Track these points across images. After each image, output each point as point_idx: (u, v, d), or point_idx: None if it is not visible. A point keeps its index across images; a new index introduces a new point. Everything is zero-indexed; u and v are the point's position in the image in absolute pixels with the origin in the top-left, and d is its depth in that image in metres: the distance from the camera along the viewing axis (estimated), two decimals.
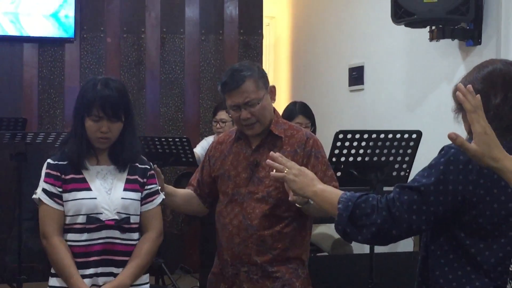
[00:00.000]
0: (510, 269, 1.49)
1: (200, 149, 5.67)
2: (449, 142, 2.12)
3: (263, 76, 3.04)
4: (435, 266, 2.15)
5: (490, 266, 2.06)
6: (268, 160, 2.53)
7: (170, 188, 3.17)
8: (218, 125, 5.57)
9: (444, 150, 2.11)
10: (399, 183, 2.17)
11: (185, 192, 3.23)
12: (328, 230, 5.04)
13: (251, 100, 2.96)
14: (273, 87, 3.10)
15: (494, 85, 2.13)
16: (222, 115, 5.53)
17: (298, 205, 2.63)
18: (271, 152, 2.54)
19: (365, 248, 4.69)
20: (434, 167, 2.09)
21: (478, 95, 1.91)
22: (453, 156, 2.06)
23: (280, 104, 5.99)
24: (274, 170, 2.48)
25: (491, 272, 2.06)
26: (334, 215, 2.21)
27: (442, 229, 2.13)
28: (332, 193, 2.28)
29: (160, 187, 2.97)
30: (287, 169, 2.43)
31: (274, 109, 3.10)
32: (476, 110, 1.89)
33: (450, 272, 2.11)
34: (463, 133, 1.94)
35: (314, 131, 4.66)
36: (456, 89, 2.22)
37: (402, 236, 2.14)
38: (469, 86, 1.92)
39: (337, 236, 5.10)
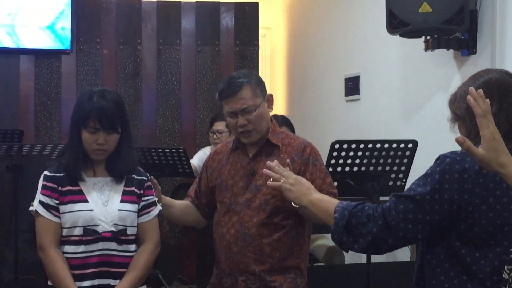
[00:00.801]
0: (504, 276, 1.49)
1: (197, 160, 5.67)
2: (445, 151, 2.13)
3: (260, 84, 3.06)
4: (431, 275, 2.15)
5: (486, 275, 2.06)
6: (264, 169, 2.54)
7: (167, 199, 3.17)
8: (215, 136, 5.58)
9: (439, 159, 2.11)
10: (395, 192, 2.18)
11: (183, 203, 3.23)
12: (322, 240, 5.05)
13: (248, 107, 2.97)
14: (271, 95, 3.11)
15: (490, 94, 2.14)
16: (219, 126, 5.54)
17: (294, 206, 2.62)
18: (268, 162, 2.55)
19: (362, 258, 4.69)
20: (429, 176, 2.10)
21: (488, 100, 1.90)
22: (448, 165, 2.07)
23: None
24: (271, 179, 2.49)
25: (486, 281, 2.06)
26: (330, 224, 2.22)
27: (438, 238, 2.13)
28: (328, 203, 2.29)
29: (157, 198, 2.98)
30: (283, 179, 2.44)
31: (271, 118, 3.12)
32: (485, 115, 1.88)
33: (446, 281, 2.11)
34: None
35: None
36: (452, 98, 2.24)
37: (398, 245, 2.15)
38: (480, 90, 1.91)
39: (330, 245, 5.12)
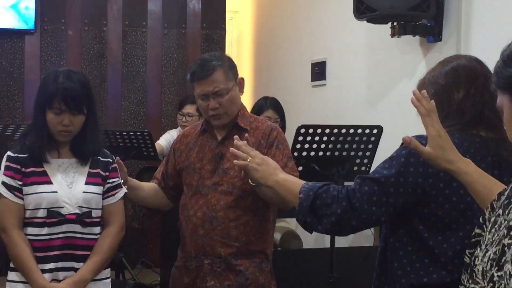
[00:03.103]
0: (465, 260, 1.51)
1: (163, 141, 5.65)
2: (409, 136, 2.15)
3: (233, 67, 3.05)
4: (394, 258, 2.16)
5: (448, 259, 2.08)
6: (231, 148, 2.53)
7: (134, 181, 3.15)
8: (184, 118, 5.55)
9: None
10: (348, 176, 2.19)
11: (149, 185, 3.22)
12: (279, 223, 5.06)
13: (220, 90, 2.96)
14: (242, 79, 3.11)
15: (457, 80, 2.17)
16: (189, 109, 5.52)
17: (252, 183, 2.62)
18: (235, 141, 2.54)
19: (326, 242, 4.72)
20: (395, 159, 2.11)
21: (432, 101, 1.94)
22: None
23: (243, 98, 5.97)
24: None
25: (448, 264, 2.08)
26: (295, 205, 2.22)
27: (402, 221, 2.14)
28: (294, 183, 2.29)
29: (123, 180, 2.96)
30: (250, 158, 2.44)
31: (241, 103, 3.11)
32: (430, 114, 1.92)
33: (409, 264, 2.13)
34: (423, 128, 1.96)
35: (283, 128, 4.69)
36: (420, 83, 2.26)
37: (361, 227, 2.16)
38: (424, 91, 1.96)
39: (287, 229, 5.15)
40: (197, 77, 2.98)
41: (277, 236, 5.04)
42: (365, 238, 4.82)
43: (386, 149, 2.18)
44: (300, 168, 3.79)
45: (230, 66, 3.03)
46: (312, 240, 5.25)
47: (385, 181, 2.09)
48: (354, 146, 3.92)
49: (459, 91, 2.15)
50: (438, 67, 2.23)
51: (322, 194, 2.15)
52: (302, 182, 2.27)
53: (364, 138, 3.92)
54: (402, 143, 2.12)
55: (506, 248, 1.33)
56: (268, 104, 4.81)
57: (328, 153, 3.89)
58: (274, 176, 2.36)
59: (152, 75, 6.76)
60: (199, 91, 3.00)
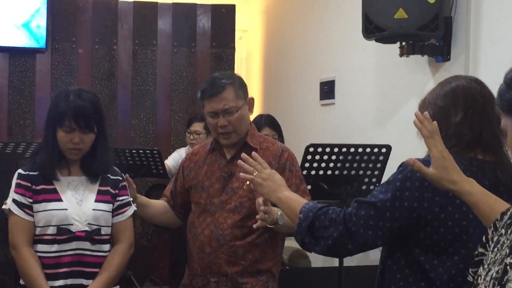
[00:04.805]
0: (468, 279, 1.51)
1: (171, 161, 5.67)
2: (418, 156, 2.15)
3: (243, 86, 3.07)
4: (391, 280, 2.16)
5: (443, 283, 2.07)
6: (239, 161, 2.53)
7: (143, 198, 3.17)
8: (192, 136, 5.58)
9: (402, 166, 2.12)
10: (358, 197, 2.19)
11: (159, 203, 3.23)
12: (287, 242, 5.05)
13: (230, 108, 2.98)
14: (252, 99, 3.13)
15: (455, 102, 2.16)
16: (197, 126, 5.55)
17: (268, 226, 2.66)
18: (243, 154, 2.54)
19: (334, 261, 4.71)
20: (391, 183, 2.11)
21: (435, 122, 1.94)
22: (410, 172, 2.07)
23: (251, 118, 6.00)
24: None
25: None
26: (294, 223, 2.23)
27: (399, 244, 2.14)
28: (296, 201, 2.30)
29: (132, 198, 2.97)
30: (256, 172, 2.45)
31: (250, 122, 3.13)
32: (433, 135, 1.93)
33: (405, 287, 2.13)
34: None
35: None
36: (421, 103, 2.26)
37: (358, 250, 2.16)
38: (426, 113, 1.96)
39: (296, 247, 5.13)
40: (208, 95, 3.00)
41: (285, 255, 5.04)
42: (374, 257, 4.80)
43: (394, 169, 2.18)
44: (309, 187, 3.79)
45: (241, 85, 3.05)
46: (321, 259, 5.24)
47: (381, 206, 2.09)
48: (363, 165, 3.92)
49: (457, 114, 2.14)
50: (437, 88, 2.24)
51: (321, 216, 2.16)
52: (304, 201, 2.28)
53: (373, 157, 3.93)
54: (400, 166, 2.13)
55: (508, 267, 1.34)
56: (264, 122, 4.81)
57: (336, 172, 3.90)
58: (278, 193, 2.37)
59: (161, 93, 6.78)
60: (209, 108, 3.01)
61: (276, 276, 3.08)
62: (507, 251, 1.37)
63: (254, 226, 2.64)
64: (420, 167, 1.92)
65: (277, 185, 2.40)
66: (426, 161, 1.96)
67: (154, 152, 5.26)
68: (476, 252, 1.51)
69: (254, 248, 2.99)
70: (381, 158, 3.94)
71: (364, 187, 3.97)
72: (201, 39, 6.87)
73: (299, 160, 3.71)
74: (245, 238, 2.98)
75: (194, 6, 6.88)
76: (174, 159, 5.67)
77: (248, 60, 7.65)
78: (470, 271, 1.51)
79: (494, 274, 1.37)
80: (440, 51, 4.43)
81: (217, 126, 3.00)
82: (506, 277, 1.34)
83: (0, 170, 4.72)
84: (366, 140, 4.83)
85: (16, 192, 2.79)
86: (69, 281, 2.77)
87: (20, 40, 6.32)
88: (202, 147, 3.22)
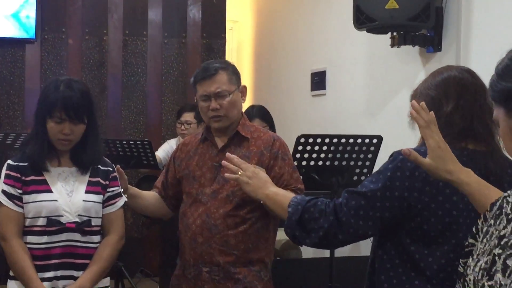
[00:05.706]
0: (459, 269, 1.51)
1: (162, 152, 5.66)
2: (409, 146, 2.15)
3: (236, 73, 3.09)
4: (381, 270, 2.16)
5: (433, 272, 2.07)
6: (223, 161, 2.55)
7: (134, 189, 3.16)
8: (182, 126, 5.56)
9: (393, 156, 2.12)
10: (348, 188, 2.19)
11: (150, 194, 3.22)
12: (278, 233, 5.05)
13: (222, 91, 2.99)
14: (245, 87, 3.13)
15: (447, 92, 2.16)
16: (187, 116, 5.53)
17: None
18: (227, 153, 2.56)
19: (325, 252, 4.72)
20: (382, 173, 2.11)
21: (432, 112, 1.94)
22: (400, 162, 2.07)
23: (242, 108, 5.99)
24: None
25: (433, 278, 2.07)
26: (284, 218, 2.23)
27: (390, 234, 2.14)
28: (283, 197, 2.31)
29: (122, 189, 2.96)
30: (241, 171, 2.45)
31: (242, 112, 3.12)
32: (429, 126, 1.93)
33: (395, 276, 2.13)
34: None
35: None
36: (413, 94, 2.26)
37: (349, 241, 2.16)
38: (422, 103, 1.96)
39: (286, 238, 5.13)
40: (201, 78, 3.02)
41: (277, 245, 5.03)
42: (365, 247, 4.81)
43: (385, 159, 2.18)
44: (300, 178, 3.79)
45: (234, 72, 3.07)
46: (312, 250, 5.24)
47: (371, 195, 2.09)
48: (354, 155, 3.93)
49: (448, 104, 2.14)
50: (429, 78, 2.24)
51: (310, 208, 2.16)
52: (292, 195, 2.29)
53: (364, 148, 3.93)
54: (390, 156, 2.13)
55: (496, 258, 1.34)
56: (255, 113, 4.78)
57: (327, 163, 3.90)
58: (265, 190, 2.38)
59: (152, 84, 6.77)
60: (201, 91, 3.02)
61: (268, 265, 3.08)
62: (496, 241, 1.37)
63: (226, 175, 2.58)
64: (416, 157, 1.92)
65: (262, 182, 2.41)
66: (418, 151, 1.96)
67: (145, 143, 5.24)
68: (467, 243, 1.50)
69: (246, 237, 2.98)
70: (372, 148, 3.94)
71: (355, 177, 3.97)
72: (192, 30, 6.85)
73: (291, 150, 3.70)
74: (237, 227, 2.97)
75: None
76: (164, 151, 5.65)
77: (239, 50, 7.64)
78: (460, 262, 1.51)
79: (483, 264, 1.37)
80: (431, 42, 4.44)
81: (208, 110, 3.00)
82: (494, 268, 1.34)
83: None
84: (357, 130, 4.83)
85: (5, 183, 2.77)
86: (59, 273, 2.76)
87: (9, 30, 6.28)
88: (193, 137, 3.21)
